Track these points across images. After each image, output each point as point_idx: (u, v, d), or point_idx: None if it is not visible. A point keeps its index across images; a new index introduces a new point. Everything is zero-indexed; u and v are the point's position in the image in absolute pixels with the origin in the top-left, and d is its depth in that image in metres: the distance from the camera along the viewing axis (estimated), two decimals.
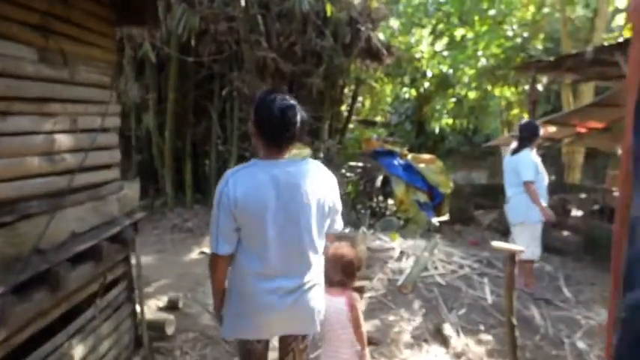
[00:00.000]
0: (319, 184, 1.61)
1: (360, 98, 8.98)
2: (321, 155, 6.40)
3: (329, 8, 5.33)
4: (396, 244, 5.03)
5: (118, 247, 1.81)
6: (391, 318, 3.35)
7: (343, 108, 7.52)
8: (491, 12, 8.79)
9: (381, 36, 7.15)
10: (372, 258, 4.32)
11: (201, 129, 6.17)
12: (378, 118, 13.56)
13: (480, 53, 9.45)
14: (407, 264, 4.17)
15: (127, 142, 6.35)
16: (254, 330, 1.65)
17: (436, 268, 4.12)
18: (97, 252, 1.59)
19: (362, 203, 7.76)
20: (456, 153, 19.01)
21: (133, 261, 2.21)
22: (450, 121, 13.91)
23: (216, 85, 6.00)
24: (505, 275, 2.28)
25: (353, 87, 7.48)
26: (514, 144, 3.83)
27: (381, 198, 8.06)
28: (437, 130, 14.95)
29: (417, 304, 3.59)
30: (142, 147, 6.26)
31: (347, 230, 6.46)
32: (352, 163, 8.03)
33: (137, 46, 5.38)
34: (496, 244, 2.29)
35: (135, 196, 2.01)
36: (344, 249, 1.93)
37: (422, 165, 7.27)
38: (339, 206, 1.74)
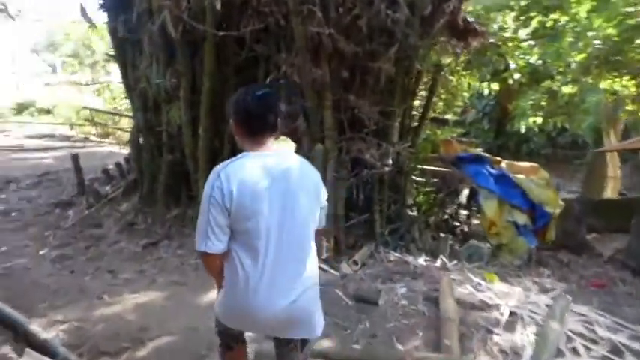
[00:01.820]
0: (307, 177, 1.61)
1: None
2: (390, 162, 5.00)
3: None
4: (499, 292, 3.54)
5: None
6: None
7: (416, 102, 6.05)
8: None
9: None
10: (465, 321, 2.88)
11: None
12: (449, 116, 11.85)
13: (590, 34, 7.50)
14: (524, 337, 2.70)
15: (157, 140, 5.38)
16: (244, 325, 1.65)
17: (574, 350, 2.60)
18: None
19: (436, 220, 6.27)
20: (536, 156, 16.61)
21: None
22: (539, 119, 11.81)
23: (260, 70, 4.82)
24: None
25: (430, 75, 5.99)
26: None
27: (462, 214, 6.51)
28: (523, 130, 12.81)
29: None
30: (173, 145, 5.24)
31: (419, 258, 5.04)
32: (425, 167, 6.57)
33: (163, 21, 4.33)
34: None
35: None
36: None
37: (521, 176, 5.62)
38: (325, 202, 1.71)
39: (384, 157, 4.96)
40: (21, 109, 18.53)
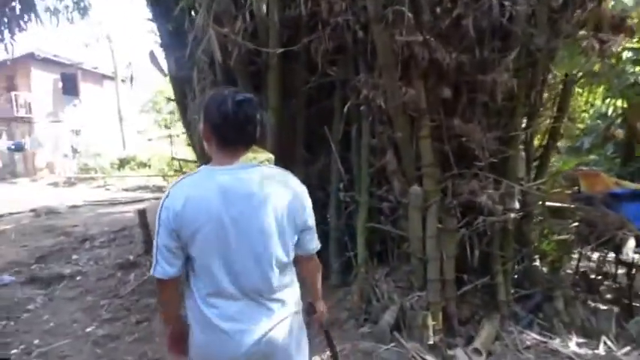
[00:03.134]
0: (281, 193, 1.38)
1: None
2: (516, 205, 3.68)
3: None
4: None
5: None
6: None
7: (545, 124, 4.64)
8: None
9: None
10: None
11: (316, 168, 4.11)
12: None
13: None
14: None
15: None
16: None
17: None
18: None
19: (566, 273, 4.65)
20: None
21: None
22: None
23: (336, 98, 3.91)
24: None
25: (557, 89, 4.60)
26: None
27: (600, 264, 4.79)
28: None
29: None
30: None
31: (569, 342, 3.52)
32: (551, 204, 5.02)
33: (223, 49, 3.64)
34: None
35: None
36: None
37: None
38: (312, 221, 1.51)
39: (507, 199, 3.65)
40: (123, 163, 20.02)
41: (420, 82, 3.47)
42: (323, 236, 4.34)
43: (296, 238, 1.45)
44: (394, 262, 3.66)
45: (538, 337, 3.47)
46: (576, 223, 4.82)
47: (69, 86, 22.38)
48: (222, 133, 1.36)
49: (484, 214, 3.60)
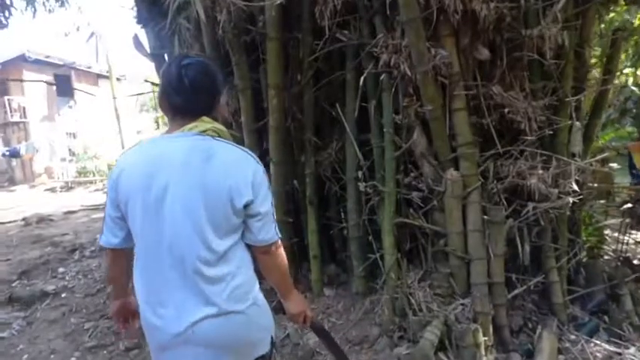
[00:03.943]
0: (219, 167, 1.20)
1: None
2: (574, 187, 3.02)
3: None
4: None
5: None
6: None
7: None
8: None
9: None
10: None
11: (328, 154, 3.47)
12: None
13: None
14: None
15: None
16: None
17: None
18: None
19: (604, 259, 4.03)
20: None
21: None
22: None
23: (349, 69, 3.25)
24: None
25: (606, 45, 3.93)
26: None
27: None
28: None
29: None
30: None
31: None
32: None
33: (212, 18, 3.01)
34: None
35: None
36: None
37: None
38: (264, 207, 1.28)
39: (562, 180, 3.01)
40: None
41: (451, 41, 2.82)
42: (340, 236, 3.77)
43: (238, 222, 1.26)
44: (428, 263, 3.03)
45: (609, 347, 2.85)
46: (629, 205, 4.21)
47: (63, 87, 21.73)
48: (168, 99, 1.26)
49: (534, 200, 2.97)
